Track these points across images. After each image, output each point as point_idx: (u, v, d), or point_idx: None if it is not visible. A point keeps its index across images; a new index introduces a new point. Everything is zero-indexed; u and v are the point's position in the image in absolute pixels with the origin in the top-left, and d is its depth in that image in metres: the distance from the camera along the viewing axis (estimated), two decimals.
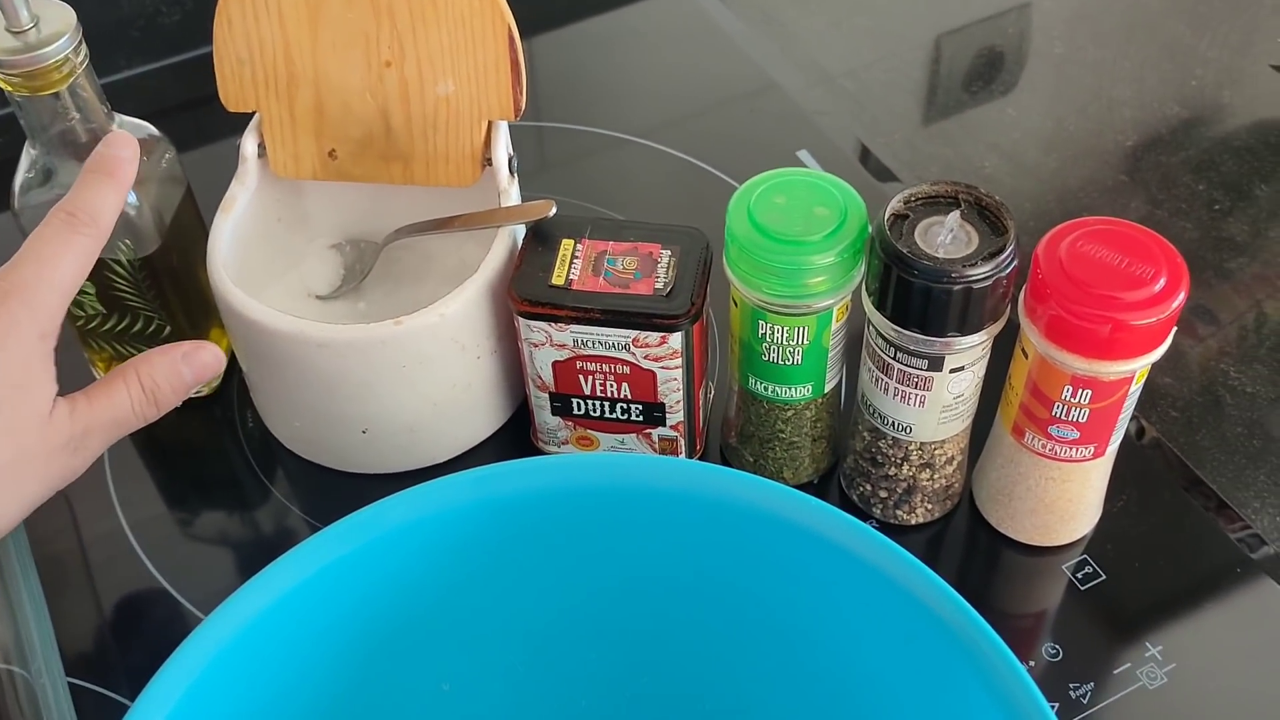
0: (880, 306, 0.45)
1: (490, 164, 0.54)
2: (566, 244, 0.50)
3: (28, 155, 0.50)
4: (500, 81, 0.52)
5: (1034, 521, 0.50)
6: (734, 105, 0.74)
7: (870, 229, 0.45)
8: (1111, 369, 0.43)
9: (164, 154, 0.52)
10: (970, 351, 0.45)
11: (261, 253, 0.55)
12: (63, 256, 0.43)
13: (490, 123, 0.53)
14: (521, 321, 0.50)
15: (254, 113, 0.54)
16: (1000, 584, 0.52)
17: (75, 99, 0.48)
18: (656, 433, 0.53)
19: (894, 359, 0.46)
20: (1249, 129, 0.71)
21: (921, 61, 0.77)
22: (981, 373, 0.47)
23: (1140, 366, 0.44)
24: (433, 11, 0.51)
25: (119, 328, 0.54)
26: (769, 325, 0.47)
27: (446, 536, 0.40)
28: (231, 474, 0.57)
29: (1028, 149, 0.71)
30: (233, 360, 0.57)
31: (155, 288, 0.53)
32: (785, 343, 0.48)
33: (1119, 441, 0.48)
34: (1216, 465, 0.55)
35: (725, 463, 0.55)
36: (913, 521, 0.52)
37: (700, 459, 0.55)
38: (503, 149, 0.53)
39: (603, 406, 0.52)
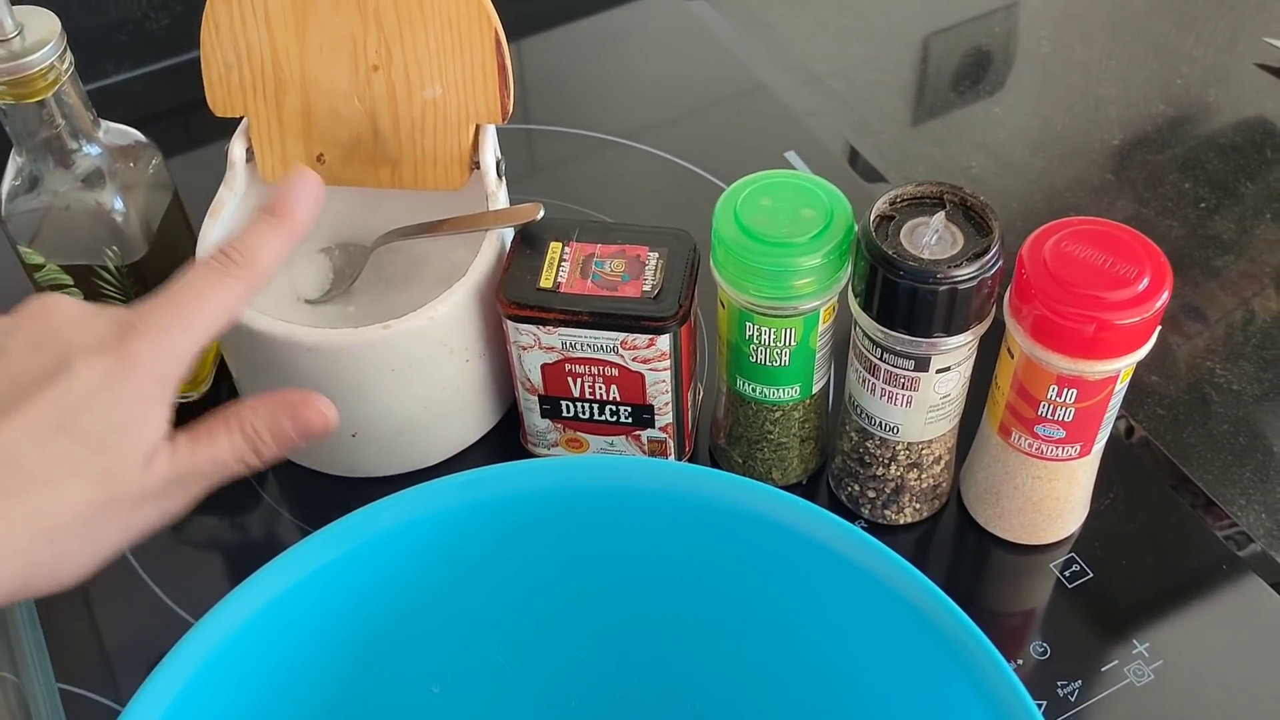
0: (866, 308, 0.45)
1: (478, 167, 0.54)
2: (554, 247, 0.50)
3: (13, 163, 0.50)
4: (487, 85, 0.52)
5: (1021, 520, 0.51)
6: (722, 107, 0.74)
7: (856, 230, 0.45)
8: (1096, 368, 0.44)
9: (151, 160, 0.52)
10: (956, 352, 0.46)
11: None
12: (205, 298, 0.40)
13: (478, 126, 0.53)
14: (510, 324, 0.50)
15: (242, 117, 0.54)
16: (988, 583, 0.52)
17: (61, 106, 0.48)
18: (645, 434, 0.53)
19: (880, 360, 0.46)
20: (1234, 127, 0.72)
21: (909, 62, 0.77)
22: (968, 373, 0.48)
23: (1125, 365, 0.44)
24: (419, 16, 0.51)
25: None
26: (756, 327, 0.47)
27: (436, 540, 0.40)
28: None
29: (1015, 149, 0.71)
30: (222, 364, 0.57)
31: (144, 293, 0.52)
32: (772, 344, 0.48)
33: (1105, 440, 0.48)
34: (1203, 463, 0.55)
35: (714, 464, 0.55)
36: (901, 521, 0.52)
37: (689, 460, 0.55)
38: (490, 152, 0.54)
39: (592, 409, 0.52)
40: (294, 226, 0.42)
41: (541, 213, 0.51)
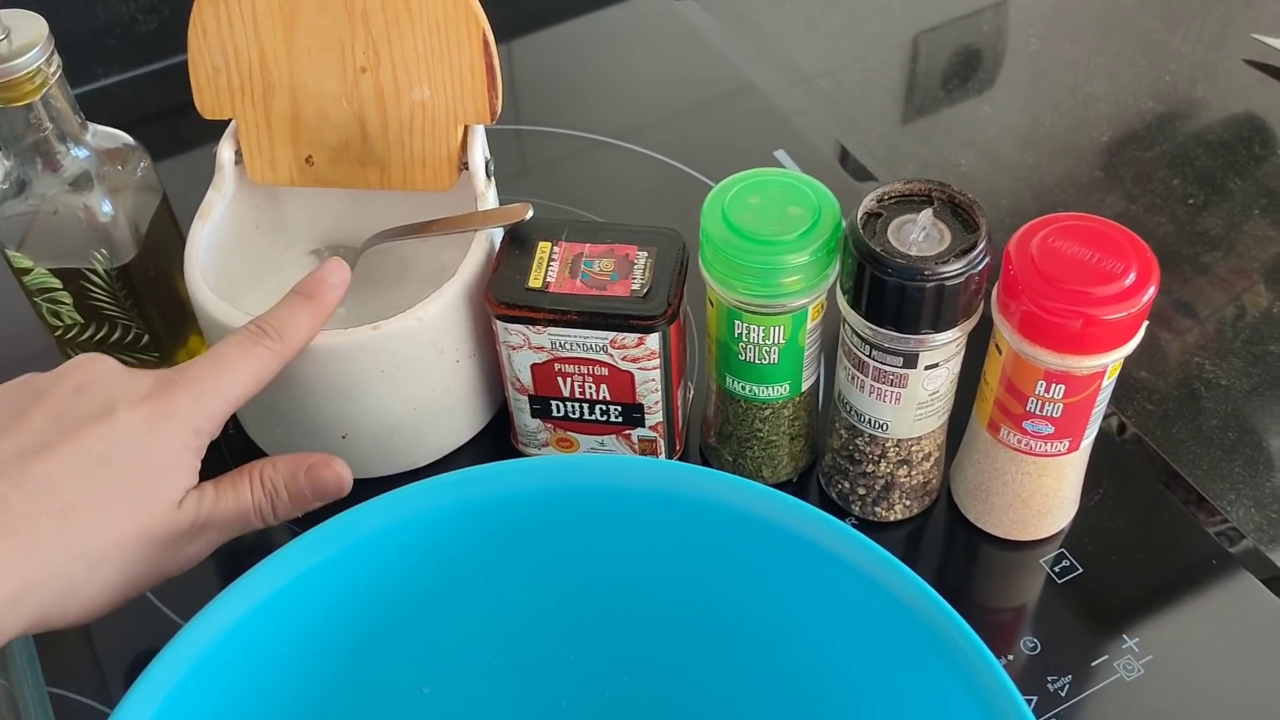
0: (855, 305, 0.45)
1: (467, 168, 0.54)
2: (543, 247, 0.51)
3: (1, 167, 0.50)
4: (476, 86, 0.52)
5: (1011, 516, 0.51)
6: (711, 107, 0.74)
7: (844, 228, 0.46)
8: (1084, 363, 0.44)
9: (139, 163, 0.52)
10: (944, 348, 0.46)
11: (240, 260, 0.55)
12: (238, 364, 0.43)
13: (466, 127, 0.53)
14: (499, 324, 0.50)
15: (230, 120, 0.54)
16: (979, 579, 0.52)
17: (48, 110, 0.48)
18: (636, 434, 0.53)
19: (869, 357, 0.46)
20: (1223, 123, 0.72)
21: (898, 61, 0.77)
22: (956, 369, 0.48)
23: (1112, 361, 0.44)
24: (407, 18, 0.51)
25: (98, 337, 0.54)
26: (745, 325, 0.47)
27: (424, 540, 0.40)
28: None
29: (1004, 146, 0.71)
30: None
31: (133, 297, 0.53)
32: (761, 342, 0.48)
33: (1094, 436, 0.48)
34: (1192, 458, 0.55)
35: (705, 462, 0.55)
36: (891, 518, 0.52)
37: (680, 459, 0.55)
38: (479, 153, 0.54)
39: (582, 408, 0.52)
40: (323, 307, 0.46)
41: (530, 213, 0.51)
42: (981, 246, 0.43)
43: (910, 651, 0.37)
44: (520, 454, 0.55)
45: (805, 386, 0.51)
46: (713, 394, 0.53)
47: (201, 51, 0.52)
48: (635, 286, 0.49)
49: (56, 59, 0.47)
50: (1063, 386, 0.45)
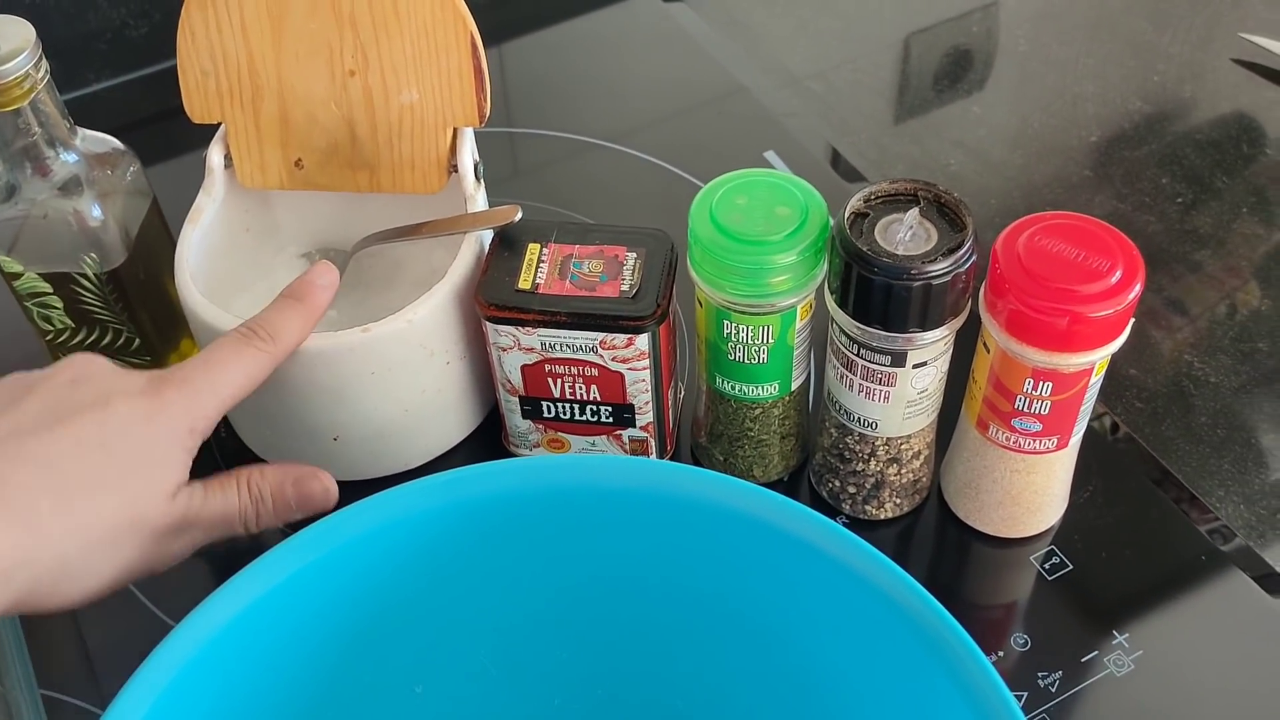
0: (842, 304, 0.45)
1: (456, 170, 0.54)
2: (533, 248, 0.51)
3: None
4: (464, 89, 0.52)
5: (1001, 514, 0.51)
6: (702, 109, 0.74)
7: (831, 227, 0.46)
8: (1071, 361, 0.44)
9: (129, 167, 0.53)
10: (932, 347, 0.46)
11: (230, 263, 0.56)
12: (229, 364, 0.44)
13: (455, 130, 0.54)
14: (489, 326, 0.50)
15: (219, 124, 0.54)
16: (970, 576, 0.53)
17: (37, 115, 0.48)
18: (627, 434, 0.53)
19: (858, 355, 0.47)
20: (1211, 123, 0.72)
21: (887, 63, 0.78)
22: (945, 367, 0.48)
23: (1099, 358, 0.44)
24: (395, 21, 0.51)
25: (89, 341, 0.54)
26: (734, 325, 0.48)
27: (415, 540, 0.40)
28: None
29: (993, 146, 0.71)
30: None
31: (123, 300, 0.53)
32: (750, 342, 0.48)
33: (1082, 433, 0.48)
34: (1182, 455, 0.56)
35: (696, 462, 0.55)
36: (882, 516, 0.52)
37: (671, 459, 0.55)
38: (468, 155, 0.54)
39: (572, 409, 0.52)
40: (314, 309, 0.47)
41: (519, 215, 0.51)
42: (968, 245, 0.44)
43: (900, 649, 0.37)
44: (512, 455, 0.56)
45: (795, 386, 0.51)
46: (703, 394, 0.53)
47: (190, 55, 0.52)
48: (624, 287, 0.49)
49: (45, 64, 0.48)
50: (1050, 384, 0.45)
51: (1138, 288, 0.43)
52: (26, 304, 0.53)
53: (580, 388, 0.51)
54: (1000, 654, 0.48)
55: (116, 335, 0.54)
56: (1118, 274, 0.43)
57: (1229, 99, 0.73)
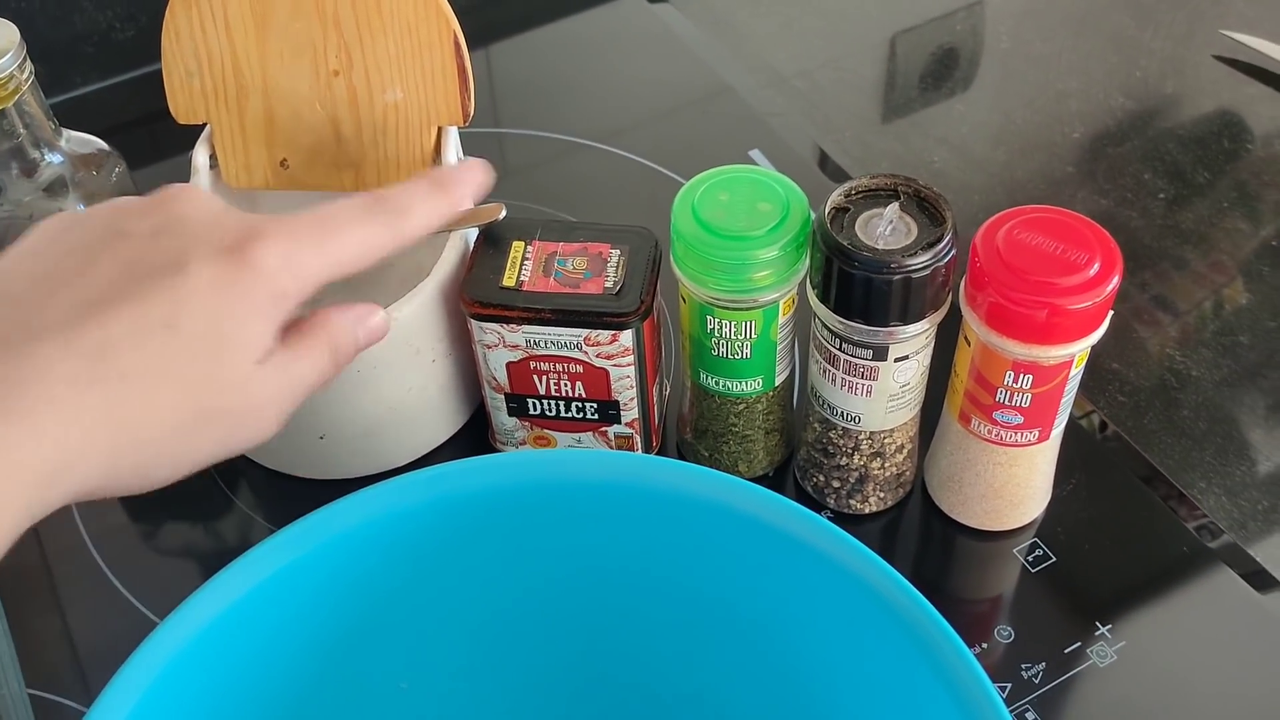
0: (824, 299, 0.46)
1: None
2: (517, 246, 0.51)
3: None
4: (448, 88, 0.52)
5: (984, 507, 0.51)
6: (688, 109, 0.74)
7: (812, 223, 0.46)
8: (1050, 353, 0.44)
9: (114, 168, 0.53)
10: (914, 340, 0.46)
11: None
12: (347, 228, 0.38)
13: (440, 128, 0.54)
14: (474, 324, 0.50)
15: (204, 124, 0.54)
16: (954, 569, 0.53)
17: (21, 116, 0.48)
18: (612, 430, 0.53)
19: (840, 350, 0.47)
20: (1193, 119, 0.72)
21: (872, 61, 0.78)
22: (926, 361, 0.48)
23: (1079, 350, 0.45)
24: (379, 20, 0.51)
25: None
26: (717, 320, 0.48)
27: (399, 536, 0.41)
28: (193, 484, 0.56)
29: (977, 143, 0.72)
30: None
31: None
32: (733, 337, 0.48)
33: (1064, 425, 0.48)
34: (1164, 448, 0.56)
35: (682, 458, 0.55)
36: (866, 510, 0.53)
37: (657, 455, 0.55)
38: (453, 154, 0.54)
39: (558, 406, 0.52)
40: (452, 200, 0.41)
41: (503, 213, 0.51)
42: (947, 239, 0.44)
43: (884, 641, 0.38)
44: (498, 452, 0.56)
45: (779, 381, 0.51)
46: (687, 390, 0.53)
47: (175, 56, 0.52)
48: (608, 284, 0.49)
49: (29, 65, 0.48)
50: (1031, 376, 0.45)
51: (1116, 280, 0.43)
52: None
53: (565, 384, 0.51)
54: (984, 646, 0.49)
55: None
56: (1096, 266, 0.43)
57: (1211, 95, 0.74)
